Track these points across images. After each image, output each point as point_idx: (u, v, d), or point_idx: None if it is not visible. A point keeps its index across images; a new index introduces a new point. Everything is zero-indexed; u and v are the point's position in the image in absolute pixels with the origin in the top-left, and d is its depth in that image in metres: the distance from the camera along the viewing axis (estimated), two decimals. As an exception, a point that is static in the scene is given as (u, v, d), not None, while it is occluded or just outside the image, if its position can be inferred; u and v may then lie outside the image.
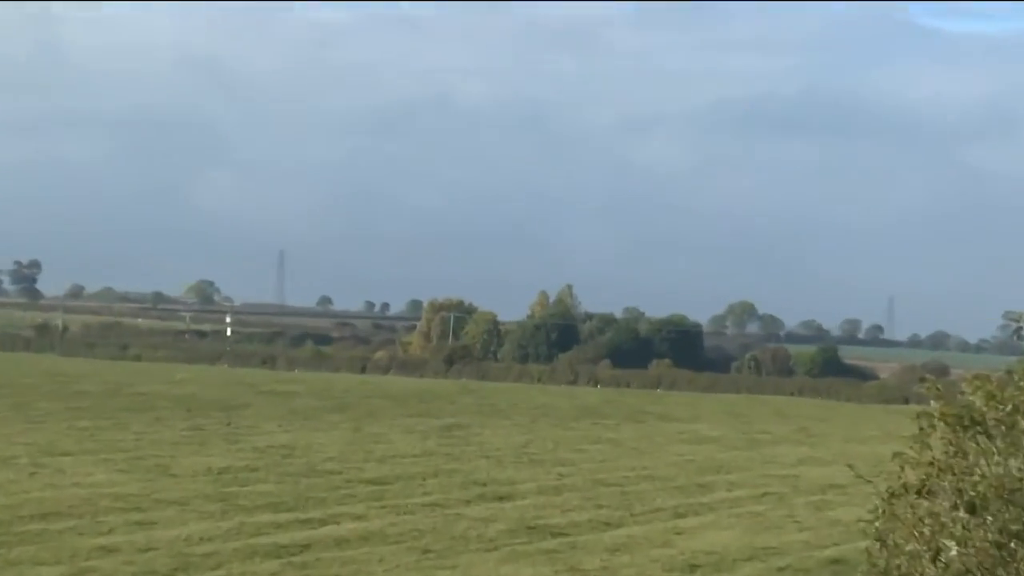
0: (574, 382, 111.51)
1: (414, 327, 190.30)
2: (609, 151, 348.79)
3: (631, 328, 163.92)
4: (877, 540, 10.77)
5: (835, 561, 22.06)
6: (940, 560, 10.25)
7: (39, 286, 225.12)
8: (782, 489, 31.71)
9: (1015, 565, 10.12)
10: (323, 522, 23.92)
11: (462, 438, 41.92)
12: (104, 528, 22.54)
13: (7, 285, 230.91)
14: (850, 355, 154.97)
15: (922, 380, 11.23)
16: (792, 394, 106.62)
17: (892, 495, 10.71)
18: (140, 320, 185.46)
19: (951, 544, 10.20)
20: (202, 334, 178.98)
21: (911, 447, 10.74)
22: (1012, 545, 10.13)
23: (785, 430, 52.25)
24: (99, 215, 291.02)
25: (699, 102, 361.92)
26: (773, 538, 24.40)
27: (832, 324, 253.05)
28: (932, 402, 10.85)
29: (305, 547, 21.40)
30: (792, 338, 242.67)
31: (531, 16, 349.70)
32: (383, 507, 25.98)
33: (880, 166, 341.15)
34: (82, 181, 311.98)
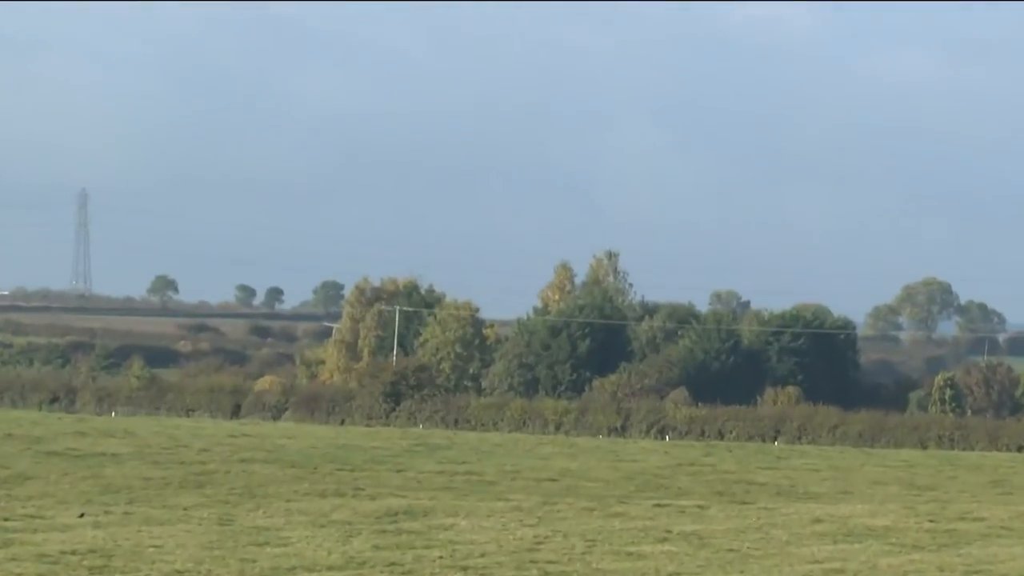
0: (622, 429, 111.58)
1: (329, 332, 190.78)
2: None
3: (726, 330, 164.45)
4: None
5: None
6: None
7: None
8: (1002, 622, 31.89)
9: None
10: None
11: (418, 534, 42.06)
12: None
13: None
14: None
15: None
16: (1021, 449, 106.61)
17: None
18: None
19: None
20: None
21: None
22: None
23: (1007, 514, 52.42)
24: None
25: None
26: None
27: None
28: None
29: None
30: (1021, 346, 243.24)
31: None
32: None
33: None
34: None
